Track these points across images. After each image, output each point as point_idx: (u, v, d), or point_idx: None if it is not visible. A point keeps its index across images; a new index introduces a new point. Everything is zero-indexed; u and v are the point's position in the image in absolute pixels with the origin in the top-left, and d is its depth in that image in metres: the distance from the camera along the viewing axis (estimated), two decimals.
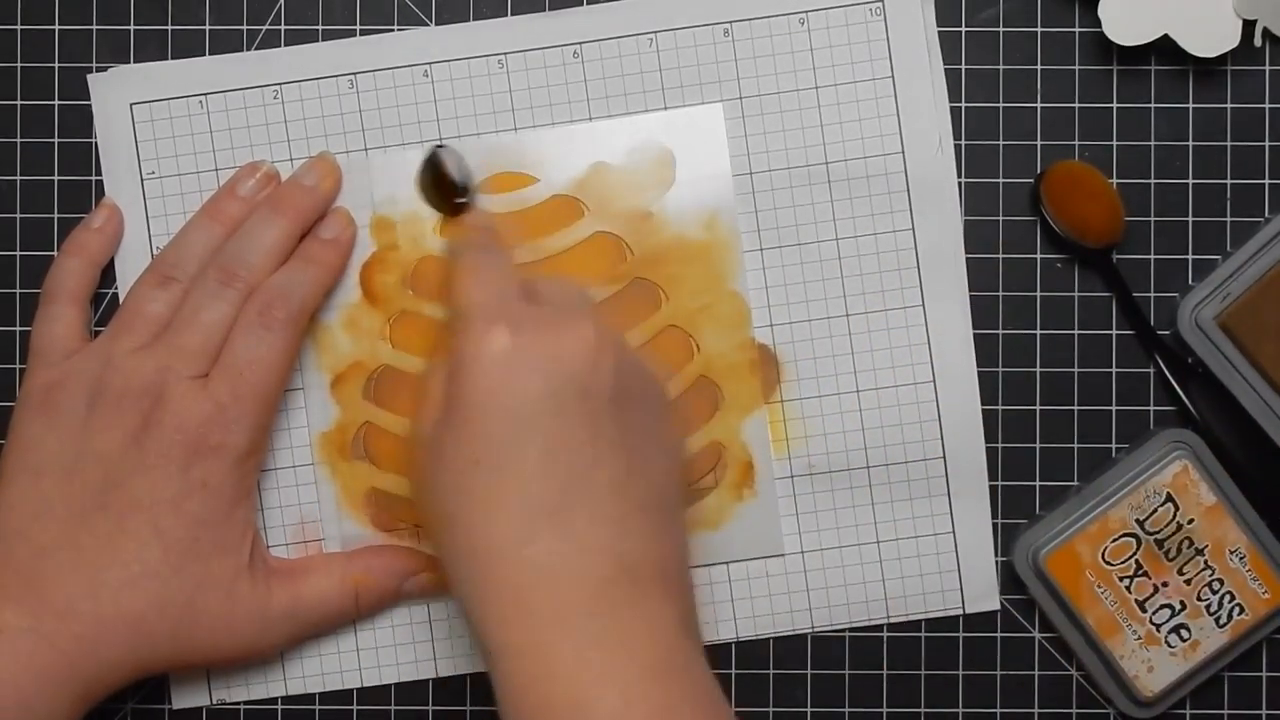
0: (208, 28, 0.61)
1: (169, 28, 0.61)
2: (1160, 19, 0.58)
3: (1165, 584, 0.59)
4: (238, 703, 0.60)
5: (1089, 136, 0.60)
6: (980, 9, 0.60)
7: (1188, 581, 0.59)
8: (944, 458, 0.60)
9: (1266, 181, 0.60)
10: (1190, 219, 0.60)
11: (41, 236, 0.61)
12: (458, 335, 0.50)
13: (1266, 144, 0.60)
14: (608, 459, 0.49)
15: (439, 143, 0.59)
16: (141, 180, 0.60)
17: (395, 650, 0.60)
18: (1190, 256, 0.60)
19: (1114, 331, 0.61)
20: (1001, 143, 0.60)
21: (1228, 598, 0.59)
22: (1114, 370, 0.60)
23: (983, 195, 0.60)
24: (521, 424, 0.49)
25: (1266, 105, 0.60)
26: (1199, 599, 0.59)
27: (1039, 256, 0.61)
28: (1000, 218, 0.60)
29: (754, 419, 0.60)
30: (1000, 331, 0.60)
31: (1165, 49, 0.59)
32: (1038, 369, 0.60)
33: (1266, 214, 0.60)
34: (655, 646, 0.48)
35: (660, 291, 0.60)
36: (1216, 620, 0.59)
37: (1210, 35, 0.58)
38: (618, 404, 0.50)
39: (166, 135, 0.60)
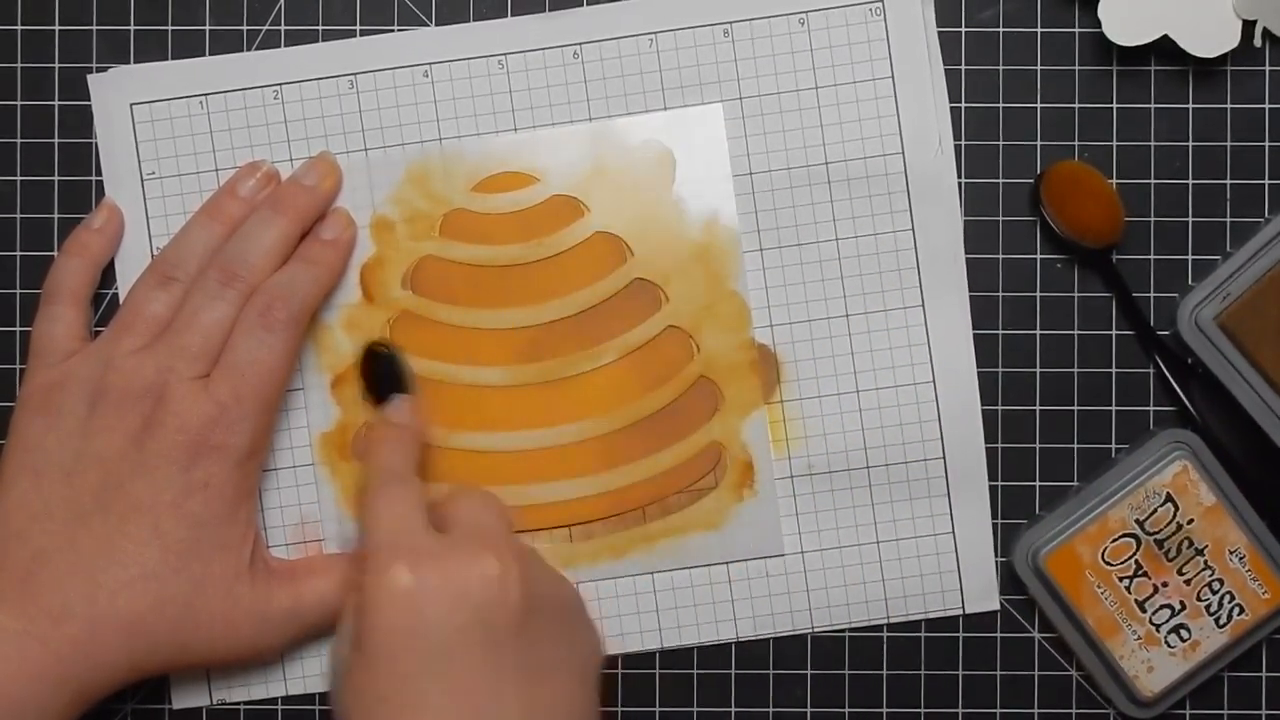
0: (208, 28, 0.61)
1: (169, 28, 0.61)
2: (1160, 19, 0.58)
3: (1165, 584, 0.59)
4: (238, 703, 0.60)
5: (1089, 136, 0.60)
6: (980, 9, 0.60)
7: (1187, 582, 0.59)
8: (944, 458, 0.60)
9: (1266, 181, 0.60)
10: (1190, 219, 0.60)
11: (41, 236, 0.61)
12: (362, 570, 0.52)
13: (1266, 144, 0.60)
14: (515, 690, 0.50)
15: (379, 343, 0.59)
16: (141, 180, 0.60)
17: None
18: (1190, 256, 0.60)
19: (1114, 331, 0.61)
20: (1001, 143, 0.60)
21: (1228, 598, 0.59)
22: (1114, 370, 0.60)
23: (983, 195, 0.60)
24: (425, 661, 0.49)
25: (1266, 105, 0.60)
26: (1199, 599, 0.59)
27: (1039, 256, 0.61)
28: (1000, 218, 0.61)
29: (754, 419, 0.60)
30: (1000, 331, 0.60)
31: (1165, 49, 0.59)
32: (1038, 369, 0.60)
33: (1266, 214, 0.60)
34: None
35: (660, 291, 0.60)
36: (1216, 620, 0.59)
37: (1210, 35, 0.58)
38: (525, 631, 0.51)
39: (166, 135, 0.60)
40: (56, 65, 0.61)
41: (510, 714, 0.50)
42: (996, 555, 0.60)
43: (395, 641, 0.50)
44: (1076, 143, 0.60)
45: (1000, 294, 0.60)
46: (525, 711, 0.50)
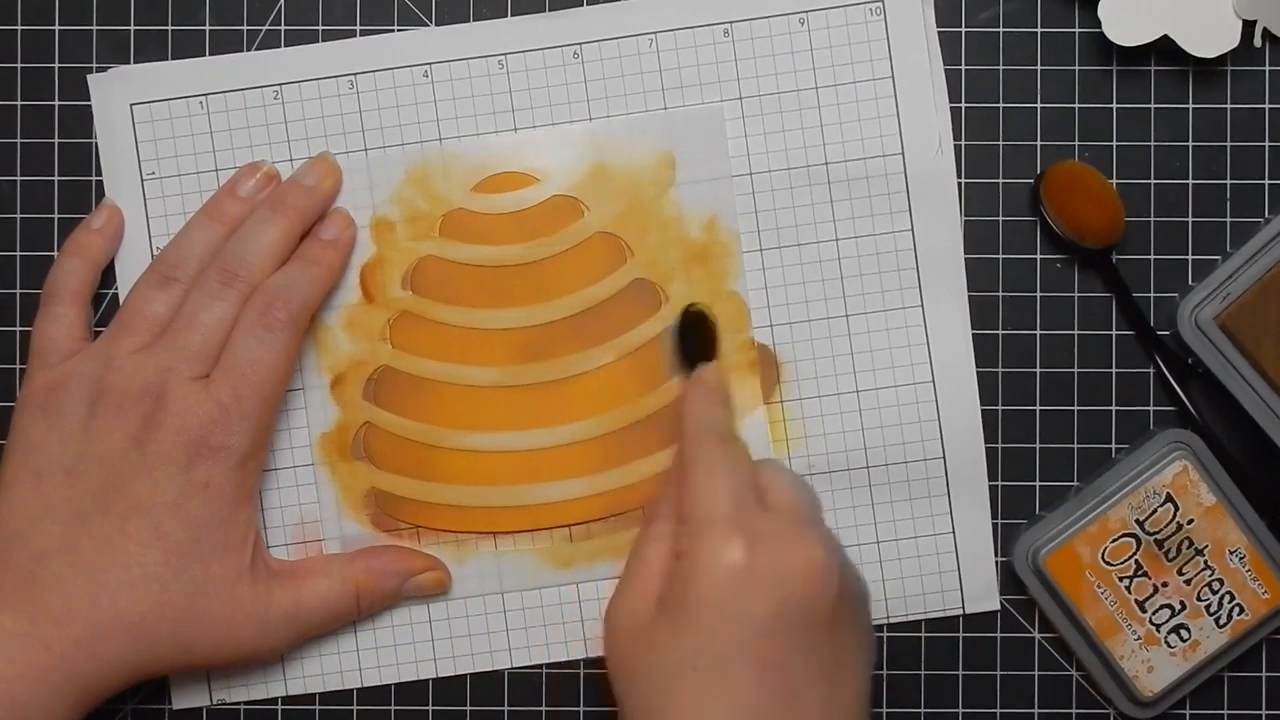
0: (208, 28, 0.61)
1: (169, 28, 0.61)
2: (1160, 19, 0.58)
3: (1165, 584, 0.59)
4: (238, 703, 0.60)
5: (1089, 136, 0.60)
6: (980, 9, 0.60)
7: (1187, 582, 0.59)
8: (944, 458, 0.60)
9: (1266, 181, 0.60)
10: (1190, 219, 0.60)
11: (41, 237, 0.61)
12: (693, 536, 0.51)
13: (1266, 144, 0.60)
14: (818, 678, 0.50)
15: (693, 307, 0.59)
16: (141, 180, 0.60)
17: (395, 650, 0.60)
18: (1190, 256, 0.60)
19: (1114, 332, 0.61)
20: (1001, 143, 0.60)
21: (1227, 598, 0.59)
22: (1114, 370, 0.60)
23: (983, 195, 0.60)
24: (743, 640, 0.50)
25: (1266, 105, 0.60)
26: (1199, 599, 0.59)
27: (1039, 256, 0.61)
28: (1000, 218, 0.61)
29: (754, 419, 0.60)
30: (1000, 331, 0.60)
31: (1165, 49, 0.59)
32: (1038, 369, 0.60)
33: (1266, 214, 0.60)
34: None
35: (660, 291, 0.60)
36: (1216, 620, 0.59)
37: (1210, 35, 0.58)
38: (833, 624, 0.51)
39: (166, 135, 0.60)
40: (56, 65, 0.61)
41: (810, 707, 0.50)
42: (996, 555, 0.60)
43: (718, 616, 0.50)
44: (1076, 143, 0.60)
45: (1000, 294, 0.60)
46: (822, 697, 0.50)
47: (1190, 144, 0.60)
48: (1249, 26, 0.59)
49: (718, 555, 0.50)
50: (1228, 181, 0.60)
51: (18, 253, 0.61)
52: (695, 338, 0.59)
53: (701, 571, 0.50)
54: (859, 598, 0.54)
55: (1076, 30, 0.60)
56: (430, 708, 0.61)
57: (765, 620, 0.50)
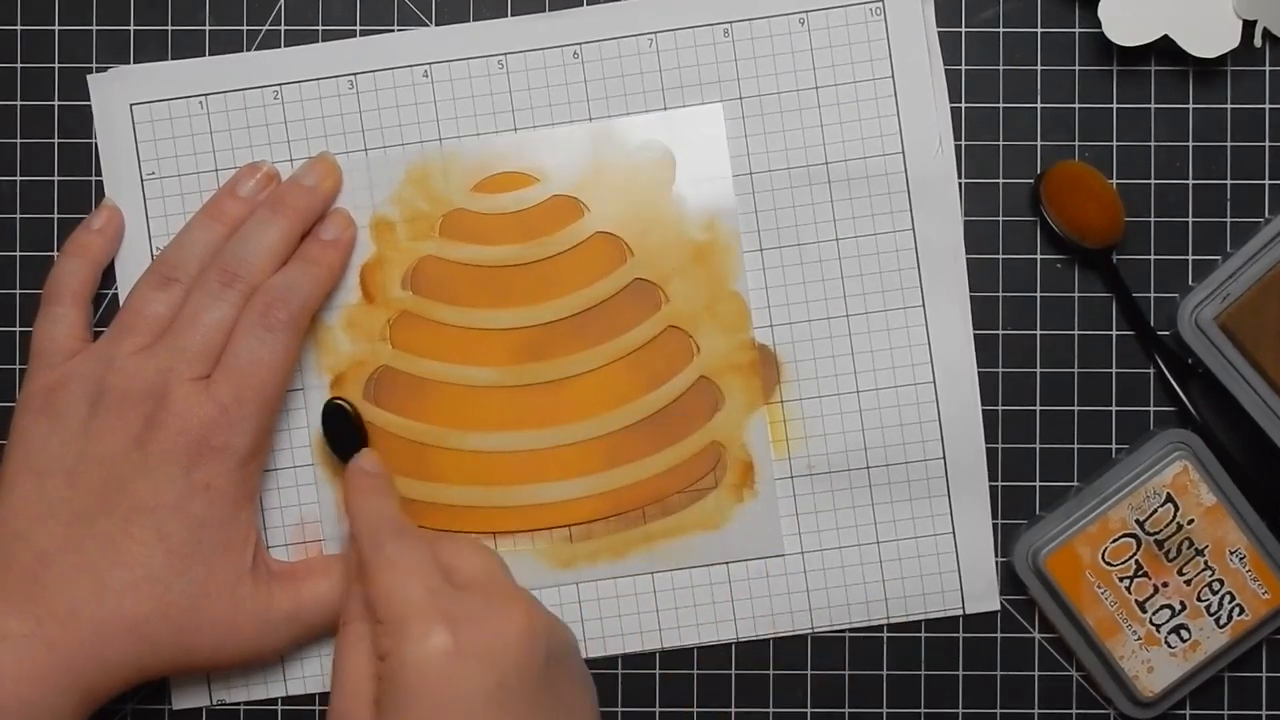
0: (208, 28, 0.61)
1: (169, 28, 0.61)
2: (1160, 19, 0.58)
3: (1165, 584, 0.59)
4: (238, 703, 0.60)
5: (1089, 136, 0.60)
6: (980, 9, 0.60)
7: (1188, 582, 0.59)
8: (944, 458, 0.60)
9: (1266, 181, 0.60)
10: (1190, 219, 0.60)
11: (41, 237, 0.61)
12: (392, 635, 0.51)
13: (1266, 144, 0.60)
14: None
15: (335, 399, 0.59)
16: (141, 180, 0.60)
17: None
18: (1190, 257, 0.60)
19: (1114, 332, 0.61)
20: (1001, 143, 0.60)
21: (1228, 598, 0.59)
22: (1114, 370, 0.60)
23: (983, 195, 0.60)
24: None
25: (1266, 105, 0.60)
26: (1199, 599, 0.59)
27: (1039, 257, 0.61)
28: (1000, 218, 0.61)
29: (754, 419, 0.60)
30: (1000, 331, 0.60)
31: (1165, 49, 0.59)
32: (1038, 369, 0.60)
33: (1266, 214, 0.60)
34: None
35: (660, 291, 0.60)
36: (1216, 621, 0.59)
37: (1210, 35, 0.58)
38: (551, 679, 0.51)
39: (166, 135, 0.60)
40: (56, 65, 0.61)
41: None
42: (996, 555, 0.60)
43: (440, 707, 0.49)
44: (1076, 143, 0.60)
45: (1000, 294, 0.60)
46: None
47: (1190, 144, 0.60)
48: (1249, 26, 0.59)
49: (423, 646, 0.50)
50: (1228, 181, 0.60)
51: (18, 253, 0.61)
52: (341, 430, 0.59)
53: (410, 667, 0.50)
54: (567, 646, 0.53)
55: (1076, 30, 0.60)
56: None
57: (488, 694, 0.49)
